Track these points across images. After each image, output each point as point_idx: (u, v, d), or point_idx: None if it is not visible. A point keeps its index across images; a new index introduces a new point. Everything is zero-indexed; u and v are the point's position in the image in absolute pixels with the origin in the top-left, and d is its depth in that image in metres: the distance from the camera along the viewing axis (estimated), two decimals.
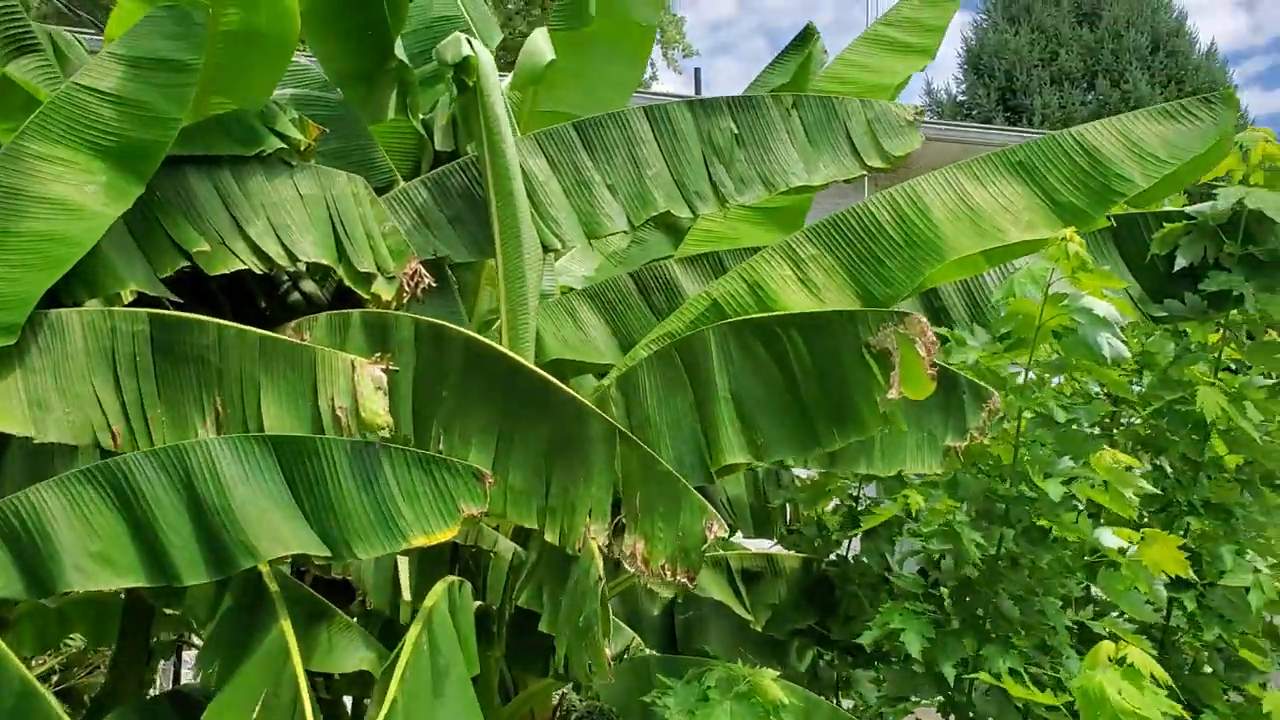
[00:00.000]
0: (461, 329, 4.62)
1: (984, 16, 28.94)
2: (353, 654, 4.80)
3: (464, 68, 5.54)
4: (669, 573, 4.07)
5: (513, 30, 21.60)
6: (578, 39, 6.65)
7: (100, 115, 4.59)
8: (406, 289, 5.31)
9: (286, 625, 4.21)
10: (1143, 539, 4.09)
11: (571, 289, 6.60)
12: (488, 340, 4.58)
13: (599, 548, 4.15)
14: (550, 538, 4.37)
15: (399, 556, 5.06)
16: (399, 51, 6.17)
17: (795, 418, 4.30)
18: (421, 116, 6.65)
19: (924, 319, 3.94)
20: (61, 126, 4.52)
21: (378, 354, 4.38)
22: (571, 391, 4.38)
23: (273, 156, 5.24)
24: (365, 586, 5.18)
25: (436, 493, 3.92)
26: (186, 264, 4.81)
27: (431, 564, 5.07)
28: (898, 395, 4.01)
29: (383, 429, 4.09)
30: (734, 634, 6.66)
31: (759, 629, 6.49)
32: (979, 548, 4.32)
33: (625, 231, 5.89)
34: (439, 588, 4.29)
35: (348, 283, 5.23)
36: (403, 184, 5.89)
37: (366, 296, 5.20)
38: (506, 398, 4.46)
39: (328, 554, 3.89)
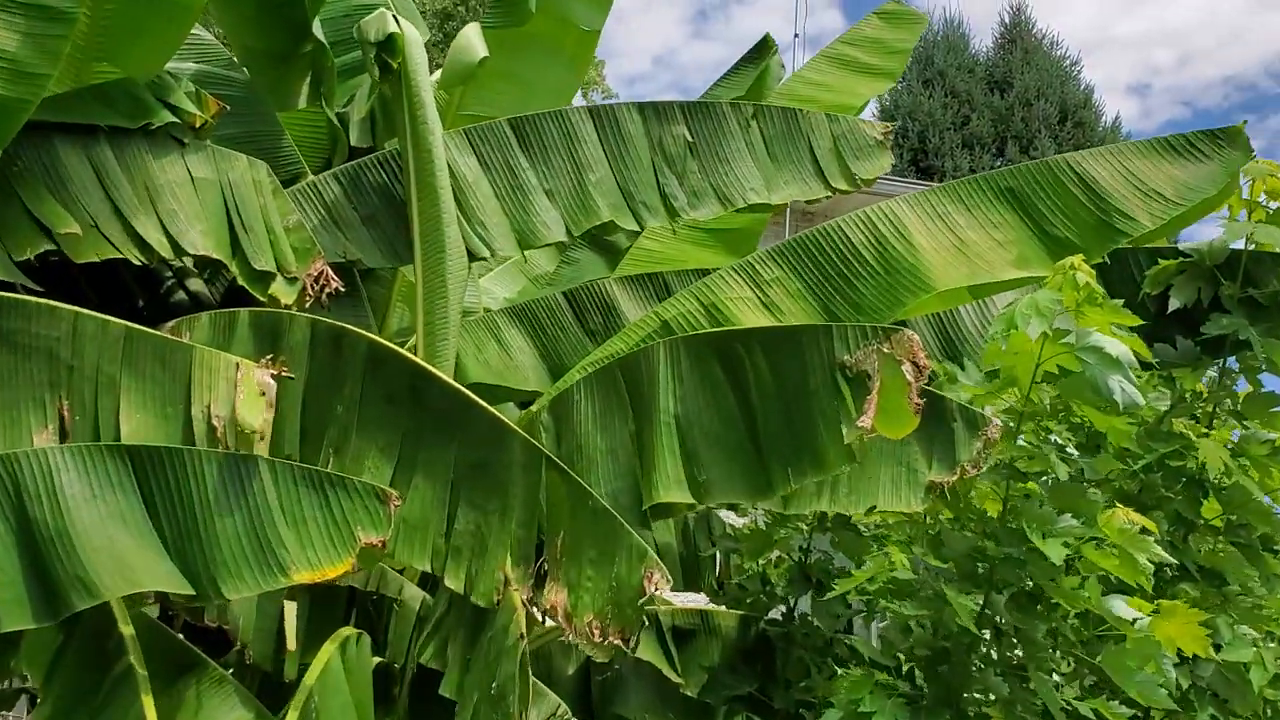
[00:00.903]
0: (366, 333, 3.91)
1: (900, 79, 29.10)
2: (226, 714, 4.02)
3: (388, 47, 4.86)
4: (597, 632, 3.38)
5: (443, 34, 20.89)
6: (513, 38, 6.05)
7: None
8: (310, 293, 4.59)
9: (142, 678, 3.42)
10: (1156, 610, 3.51)
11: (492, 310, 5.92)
12: (395, 346, 3.87)
13: (521, 600, 3.44)
14: (452, 584, 3.65)
15: (285, 601, 4.28)
16: (317, 32, 5.48)
17: (746, 454, 3.65)
18: (337, 110, 5.95)
19: (916, 336, 3.32)
20: None
21: (268, 356, 3.64)
22: (491, 409, 3.69)
23: (161, 132, 4.50)
24: (244, 635, 4.38)
25: (328, 517, 3.21)
26: (50, 247, 4.02)
27: (324, 611, 4.31)
28: (869, 426, 3.38)
29: (260, 438, 3.35)
30: (657, 697, 5.98)
31: (690, 693, 5.81)
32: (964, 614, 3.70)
33: (563, 242, 5.25)
34: (332, 642, 3.54)
35: (242, 282, 4.50)
36: (311, 177, 5.17)
37: (263, 299, 4.46)
38: (411, 414, 3.77)
39: (189, 591, 3.14)
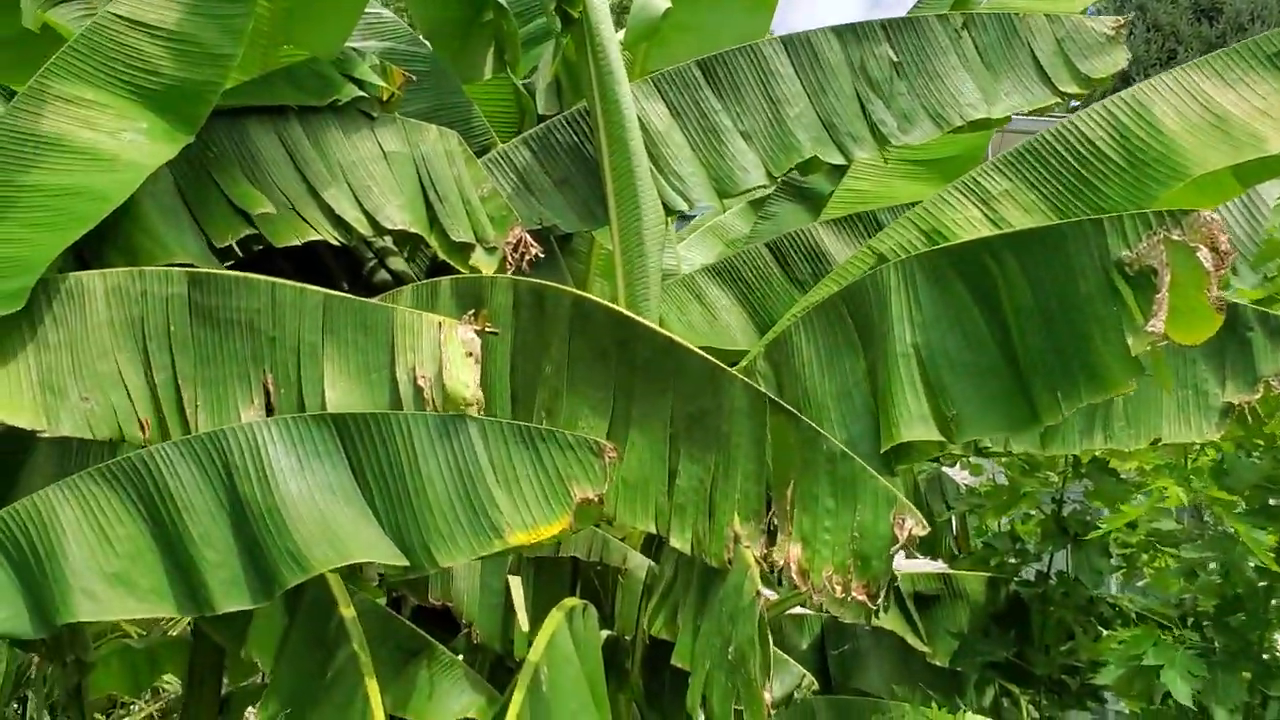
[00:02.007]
0: (569, 289, 3.61)
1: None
2: (456, 698, 3.84)
3: None
4: (839, 587, 2.96)
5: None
6: None
7: (140, 51, 3.74)
8: (510, 261, 4.34)
9: (365, 663, 3.22)
10: None
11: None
12: (599, 299, 3.55)
13: (754, 557, 3.06)
14: (678, 544, 3.30)
15: (511, 577, 4.05)
16: None
17: (1001, 381, 3.13)
18: (522, 80, 5.73)
19: (1215, 216, 2.73)
20: (92, 64, 3.68)
21: (470, 312, 3.38)
22: (705, 355, 3.32)
23: (349, 108, 4.34)
24: (470, 615, 4.18)
25: (541, 474, 2.93)
26: (250, 231, 3.91)
27: (549, 584, 4.06)
28: (1160, 331, 2.82)
29: (471, 404, 3.09)
30: (901, 668, 5.50)
31: (938, 662, 5.31)
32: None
33: (764, 186, 4.83)
34: (557, 614, 3.26)
35: (441, 255, 4.30)
36: (501, 145, 4.93)
37: (464, 271, 4.24)
38: (622, 368, 3.44)
39: (401, 561, 2.91)
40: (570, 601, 3.59)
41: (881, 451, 3.21)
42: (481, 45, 5.54)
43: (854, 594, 2.93)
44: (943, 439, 3.16)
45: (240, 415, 3.23)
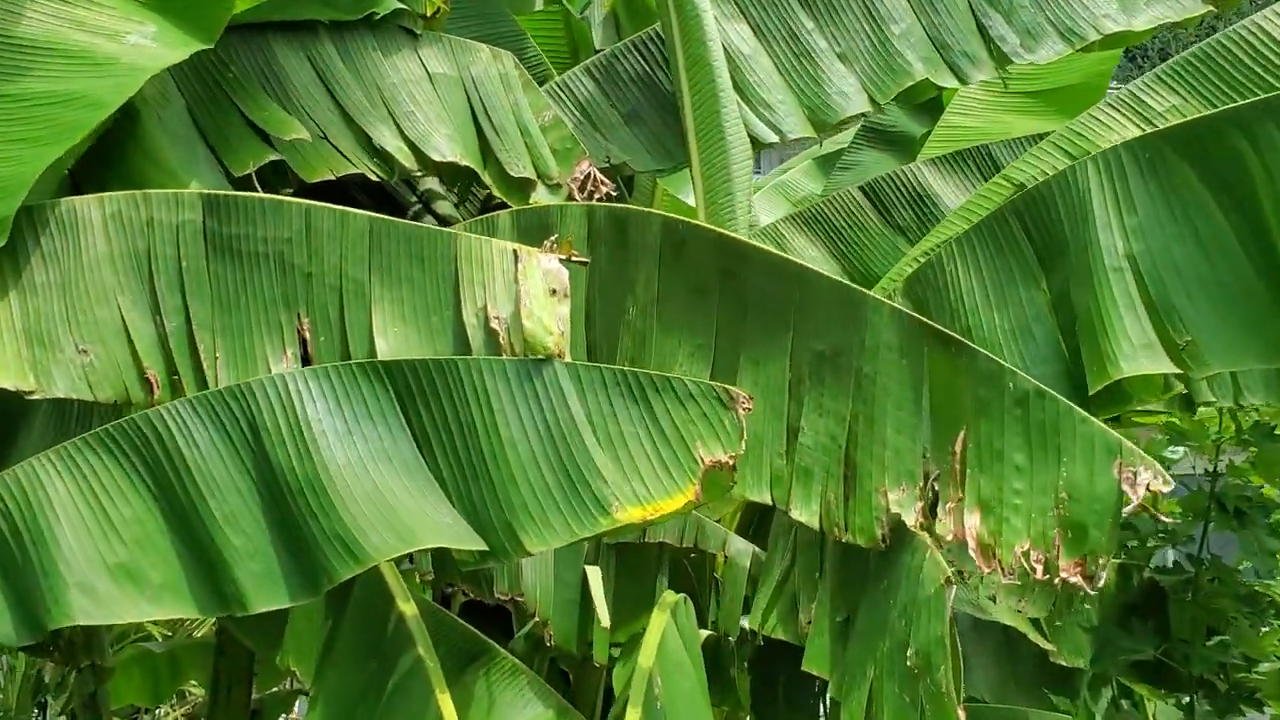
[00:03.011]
0: (658, 212, 2.97)
1: None
2: (521, 710, 3.20)
3: None
4: (1039, 567, 2.29)
5: None
6: None
7: None
8: (577, 199, 3.69)
9: (433, 671, 2.59)
10: None
11: None
12: (699, 222, 2.91)
13: (922, 529, 2.40)
14: (803, 516, 2.64)
15: (589, 568, 3.41)
16: None
17: (1255, 296, 2.45)
18: (579, 14, 5.09)
19: None
20: None
21: (552, 237, 2.73)
22: (838, 279, 2.66)
23: (388, 24, 3.70)
24: (543, 611, 3.51)
25: (656, 432, 2.31)
26: (274, 156, 3.28)
27: (634, 576, 3.42)
28: None
29: (555, 352, 2.43)
30: (1003, 668, 4.82)
31: (1062, 662, 4.63)
32: None
33: (866, 114, 4.18)
34: (661, 611, 2.63)
35: (497, 193, 3.70)
36: (559, 76, 4.29)
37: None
38: (727, 302, 2.79)
39: (480, 546, 2.27)
40: (671, 596, 2.95)
41: (1090, 395, 2.53)
42: None
43: (1064, 574, 2.27)
44: (1177, 369, 2.47)
45: (270, 369, 2.59)
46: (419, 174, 3.61)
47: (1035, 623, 4.69)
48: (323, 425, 2.37)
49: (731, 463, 2.25)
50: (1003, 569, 2.34)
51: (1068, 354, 2.64)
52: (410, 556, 3.12)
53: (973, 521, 2.38)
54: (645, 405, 2.29)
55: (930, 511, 2.41)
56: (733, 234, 2.95)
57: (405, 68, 3.67)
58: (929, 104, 5.40)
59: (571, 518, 2.26)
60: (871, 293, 2.58)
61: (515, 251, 2.61)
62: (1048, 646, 4.65)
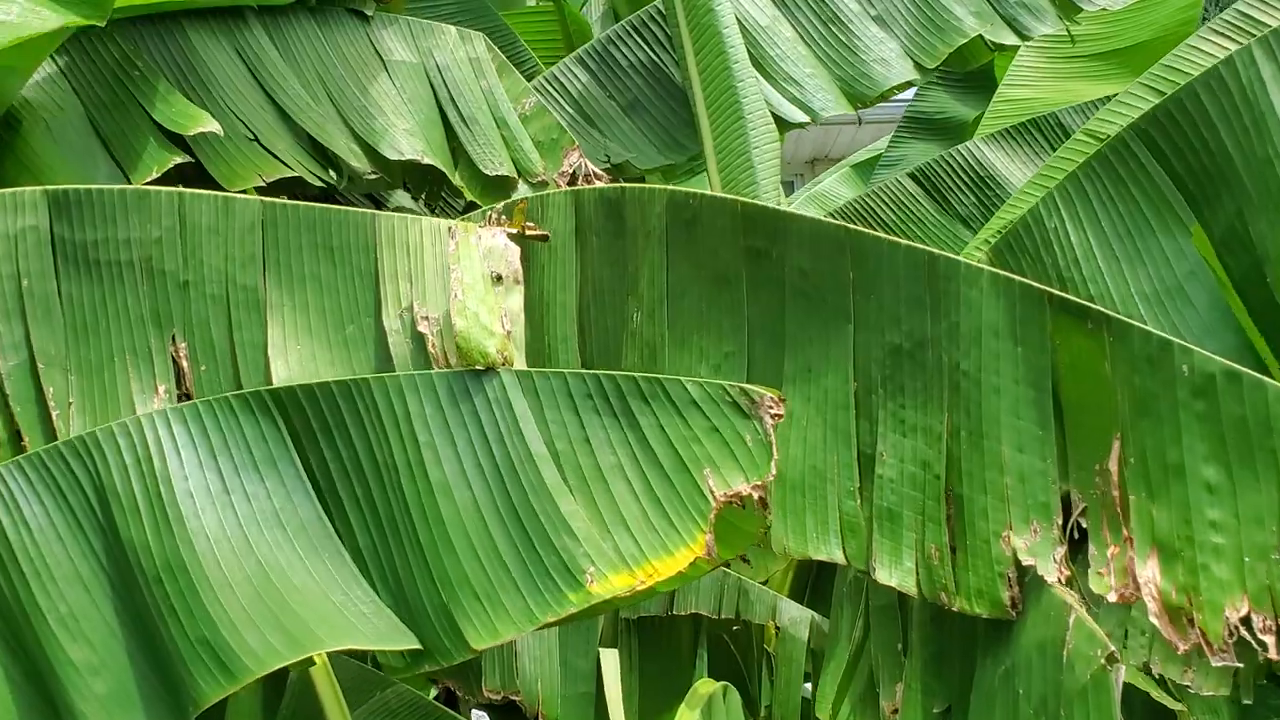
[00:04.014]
0: (663, 187, 2.25)
1: None
2: None
3: None
4: (1271, 638, 1.49)
5: None
6: None
7: None
8: None
9: None
10: None
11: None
12: (719, 193, 2.20)
13: (1071, 597, 1.60)
14: (889, 576, 1.84)
15: (603, 651, 2.66)
16: None
17: None
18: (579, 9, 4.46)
19: None
20: None
21: (498, 205, 2.01)
22: (919, 245, 1.89)
23: (331, 6, 3.06)
24: (549, 710, 2.74)
25: (647, 460, 1.58)
26: (181, 158, 2.63)
27: (660, 659, 2.65)
28: None
29: (500, 360, 1.69)
30: None
31: None
32: None
33: (910, 84, 3.46)
34: (689, 708, 1.88)
35: (470, 195, 3.07)
36: (548, 70, 3.62)
37: None
38: (760, 292, 2.03)
39: (410, 645, 1.55)
40: (705, 686, 2.18)
41: None
42: None
43: None
44: None
45: (134, 410, 1.87)
46: (371, 176, 2.93)
47: (1159, 679, 3.85)
48: (188, 484, 1.64)
49: (758, 496, 1.49)
50: (1208, 643, 1.54)
51: (1254, 316, 1.84)
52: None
53: (1149, 572, 1.57)
54: (628, 421, 1.55)
55: (1074, 559, 1.63)
56: (761, 203, 2.21)
57: (353, 54, 3.04)
58: (979, 83, 4.71)
59: (531, 595, 1.51)
60: (960, 257, 1.80)
61: (450, 229, 1.89)
62: (1176, 707, 3.79)
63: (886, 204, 3.82)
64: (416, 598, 1.57)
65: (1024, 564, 1.66)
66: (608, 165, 3.46)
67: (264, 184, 2.75)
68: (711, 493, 1.50)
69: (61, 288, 1.97)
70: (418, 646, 1.56)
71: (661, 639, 2.78)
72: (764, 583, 2.83)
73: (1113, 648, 1.47)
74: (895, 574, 1.82)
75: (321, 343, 1.87)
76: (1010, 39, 3.43)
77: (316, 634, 1.53)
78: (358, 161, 2.89)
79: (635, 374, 1.57)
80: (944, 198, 3.77)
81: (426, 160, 2.95)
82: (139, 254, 1.95)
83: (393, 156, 2.92)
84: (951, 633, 1.93)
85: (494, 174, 3.02)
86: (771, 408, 1.50)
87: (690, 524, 1.49)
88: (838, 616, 2.38)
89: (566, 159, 3.12)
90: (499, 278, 1.79)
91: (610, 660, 2.66)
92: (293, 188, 2.86)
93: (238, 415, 1.70)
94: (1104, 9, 3.41)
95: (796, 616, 2.65)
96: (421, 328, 1.80)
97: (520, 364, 1.69)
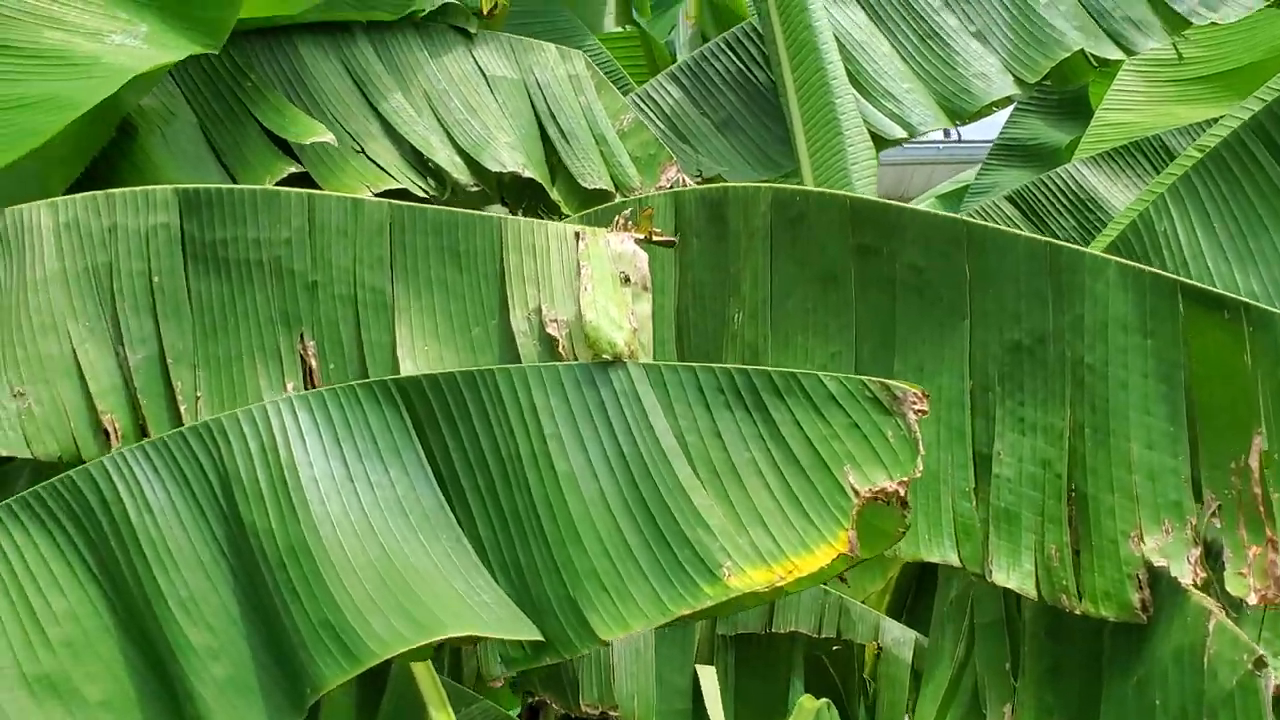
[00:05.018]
0: (766, 185, 2.29)
1: None
2: None
3: None
4: None
5: None
6: None
7: None
8: None
9: None
10: None
11: None
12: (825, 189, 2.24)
13: (1211, 603, 1.58)
14: (1008, 578, 1.82)
15: (701, 668, 2.65)
16: None
17: None
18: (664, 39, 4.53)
19: None
20: None
21: (626, 212, 2.05)
22: (1035, 236, 1.89)
23: (436, 23, 3.16)
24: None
25: (783, 456, 1.59)
26: (293, 168, 2.72)
27: (758, 677, 2.64)
28: None
29: (628, 353, 1.72)
30: None
31: None
32: None
33: (1011, 99, 3.47)
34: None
35: (568, 209, 3.12)
36: (639, 87, 3.69)
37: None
38: (870, 290, 2.05)
39: (533, 636, 1.55)
40: (810, 703, 2.17)
41: None
42: None
43: None
44: None
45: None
46: (474, 188, 3.00)
47: None
48: (313, 470, 1.69)
49: (902, 492, 1.49)
50: None
51: None
52: (476, 650, 2.42)
53: None
54: (763, 416, 1.56)
55: (1211, 560, 1.60)
56: (872, 198, 2.22)
57: (458, 70, 3.14)
58: (1072, 109, 4.69)
59: (663, 587, 1.53)
60: (1085, 248, 1.80)
61: (577, 234, 1.94)
62: None
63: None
64: (540, 589, 1.60)
65: (1155, 565, 1.64)
66: (700, 180, 3.51)
67: (371, 195, 2.84)
68: (854, 490, 1.51)
69: (190, 285, 2.06)
70: (540, 638, 1.58)
71: (759, 656, 2.78)
72: (863, 601, 2.81)
73: (1261, 651, 1.44)
74: (1013, 576, 1.80)
75: (449, 344, 1.94)
76: (1114, 53, 3.43)
77: (440, 620, 1.57)
78: (460, 174, 2.97)
79: (769, 369, 1.59)
80: (1042, 220, 3.75)
81: (527, 173, 3.02)
82: (268, 254, 2.03)
83: (494, 169, 2.99)
84: (1071, 645, 1.90)
85: (592, 188, 3.08)
86: (915, 403, 1.52)
87: (830, 521, 1.51)
88: (938, 636, 2.37)
89: (664, 174, 3.17)
90: (626, 279, 1.83)
91: (708, 677, 2.66)
92: (395, 198, 2.95)
93: (362, 403, 1.75)
94: (1214, 23, 3.38)
95: (900, 637, 2.63)
96: (550, 329, 1.85)
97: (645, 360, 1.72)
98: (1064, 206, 3.75)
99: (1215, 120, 3.34)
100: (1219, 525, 1.60)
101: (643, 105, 3.62)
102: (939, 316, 1.93)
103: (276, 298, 2.04)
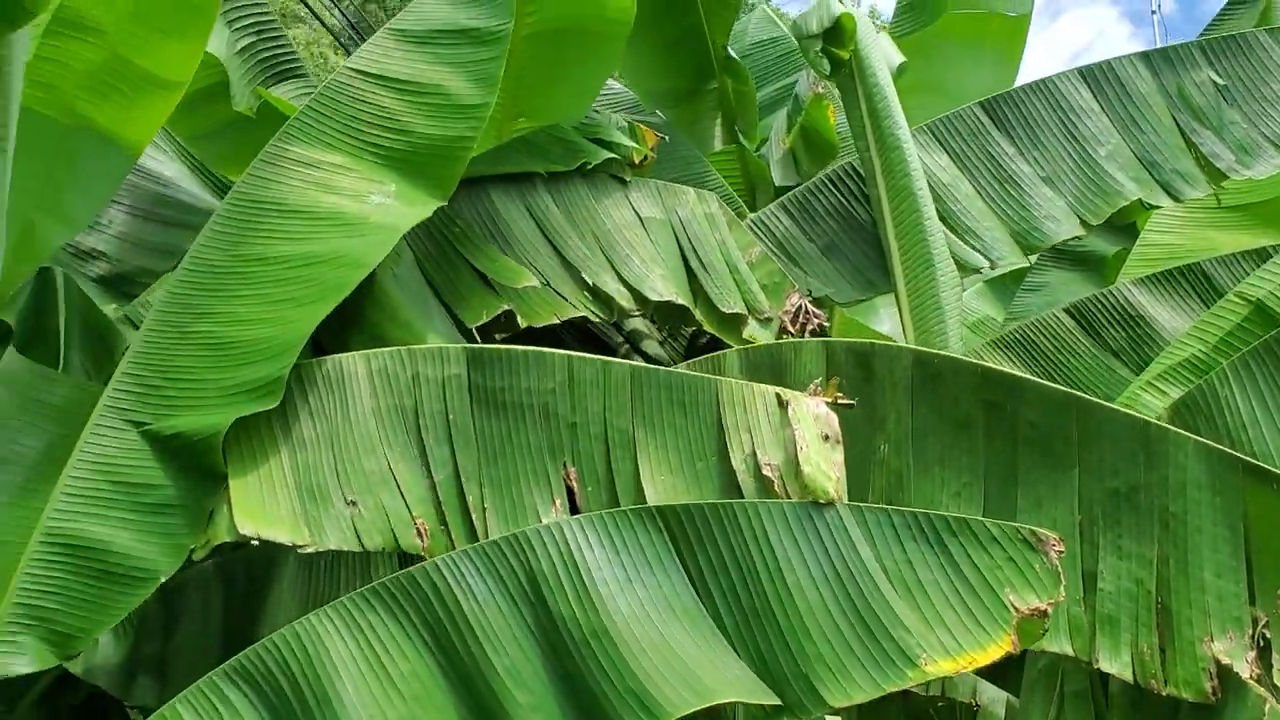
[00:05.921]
0: (906, 345, 2.94)
1: None
2: None
3: (835, 35, 4.01)
4: None
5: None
6: (926, 42, 5.17)
7: (383, 108, 3.29)
8: (790, 332, 3.70)
9: None
10: None
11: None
12: (953, 354, 2.87)
13: (1254, 678, 2.24)
14: (1111, 666, 2.48)
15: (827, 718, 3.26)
16: (731, 61, 4.76)
17: None
18: (755, 151, 5.19)
19: None
20: (333, 124, 3.25)
21: (817, 380, 2.71)
22: (1127, 411, 2.56)
23: (599, 173, 3.81)
24: None
25: (959, 579, 2.23)
26: (504, 307, 3.36)
27: None
28: None
29: (836, 497, 2.39)
30: None
31: None
32: None
33: (1078, 237, 4.13)
34: None
35: (709, 329, 3.73)
36: (753, 215, 4.35)
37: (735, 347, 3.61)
38: (995, 439, 2.71)
39: (773, 701, 2.18)
40: None
41: None
42: (708, 115, 5.11)
43: None
44: None
45: (539, 519, 2.59)
46: (636, 314, 3.65)
47: None
48: (603, 573, 2.34)
49: (1045, 610, 2.14)
50: None
51: None
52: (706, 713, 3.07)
53: None
54: (942, 549, 2.22)
55: (1263, 659, 2.26)
56: (995, 366, 2.88)
57: (618, 213, 3.75)
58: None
59: (874, 670, 2.18)
60: (1167, 425, 2.48)
61: (779, 396, 2.59)
62: None
63: (1043, 334, 4.42)
64: (777, 667, 2.24)
65: (1222, 663, 2.29)
66: (810, 298, 4.15)
67: (557, 321, 3.49)
68: (1014, 607, 2.15)
69: (476, 421, 2.71)
70: (779, 702, 2.22)
71: (872, 708, 3.40)
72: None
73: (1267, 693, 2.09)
74: (1115, 664, 2.46)
75: (679, 474, 2.58)
76: (1165, 201, 4.07)
77: (711, 688, 2.21)
78: (625, 301, 3.59)
79: (946, 514, 2.24)
80: (1097, 333, 4.36)
81: (679, 300, 3.64)
82: (538, 400, 2.68)
83: (653, 297, 3.60)
84: (1153, 716, 2.54)
85: (729, 311, 3.69)
86: (1055, 545, 2.16)
87: (998, 629, 2.15)
88: (1029, 699, 3.00)
89: (788, 300, 3.80)
90: (827, 437, 2.49)
91: None
92: (574, 324, 3.59)
93: (633, 524, 2.40)
94: (1250, 178, 4.04)
95: (994, 697, 3.26)
96: (766, 471, 2.50)
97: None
98: (1116, 320, 4.35)
99: (1255, 253, 4.01)
100: (1269, 635, 2.26)
101: (757, 231, 4.27)
102: (1052, 463, 2.59)
103: (545, 434, 2.69)
